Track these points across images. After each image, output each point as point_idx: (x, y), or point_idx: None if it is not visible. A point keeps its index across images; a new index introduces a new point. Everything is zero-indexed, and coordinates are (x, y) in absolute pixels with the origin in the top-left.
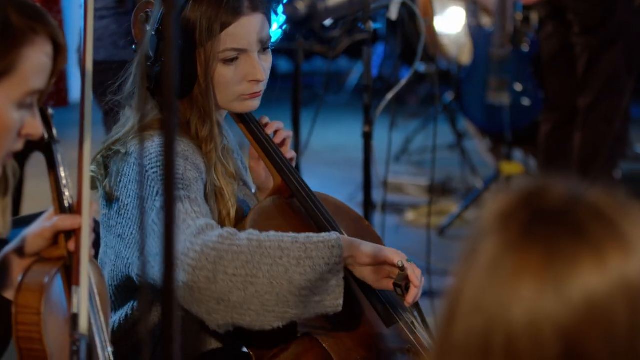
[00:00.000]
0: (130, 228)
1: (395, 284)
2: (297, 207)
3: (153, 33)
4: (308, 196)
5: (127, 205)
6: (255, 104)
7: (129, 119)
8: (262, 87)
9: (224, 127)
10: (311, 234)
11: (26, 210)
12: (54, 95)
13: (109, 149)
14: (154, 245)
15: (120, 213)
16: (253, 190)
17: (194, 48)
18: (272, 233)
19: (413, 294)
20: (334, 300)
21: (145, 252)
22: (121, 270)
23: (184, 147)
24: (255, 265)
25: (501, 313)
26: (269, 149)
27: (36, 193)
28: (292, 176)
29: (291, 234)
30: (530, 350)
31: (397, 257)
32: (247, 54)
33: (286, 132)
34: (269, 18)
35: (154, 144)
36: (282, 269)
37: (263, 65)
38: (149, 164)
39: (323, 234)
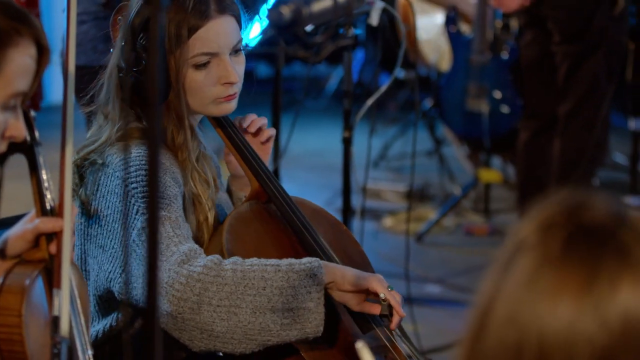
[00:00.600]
0: (111, 240)
1: (382, 315)
2: (275, 212)
3: (122, 44)
4: (285, 201)
5: (107, 216)
6: (231, 106)
7: (102, 128)
8: (236, 89)
9: (199, 132)
10: (293, 261)
11: (4, 212)
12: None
13: (84, 159)
14: (136, 266)
15: (100, 224)
16: (222, 191)
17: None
18: (255, 261)
19: (397, 321)
20: (315, 327)
21: (127, 270)
22: (103, 283)
23: (162, 159)
24: (239, 296)
25: (536, 328)
26: (246, 154)
27: (15, 195)
28: (269, 181)
29: (274, 261)
30: None
31: (379, 286)
32: (218, 57)
33: (261, 120)
34: (239, 19)
35: (132, 156)
36: (265, 299)
37: (236, 68)
38: (128, 177)
39: (305, 260)
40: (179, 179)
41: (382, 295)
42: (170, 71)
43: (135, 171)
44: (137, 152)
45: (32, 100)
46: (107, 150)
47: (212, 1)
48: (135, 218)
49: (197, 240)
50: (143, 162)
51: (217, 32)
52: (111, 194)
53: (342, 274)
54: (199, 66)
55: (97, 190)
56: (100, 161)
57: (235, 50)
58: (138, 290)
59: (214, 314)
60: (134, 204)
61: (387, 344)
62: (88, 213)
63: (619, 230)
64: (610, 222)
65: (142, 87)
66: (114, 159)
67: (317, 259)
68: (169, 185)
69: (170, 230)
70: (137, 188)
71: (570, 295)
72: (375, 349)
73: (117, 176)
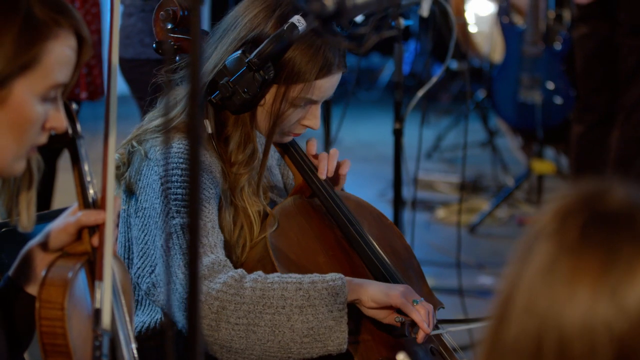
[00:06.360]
0: (145, 235)
1: (399, 335)
2: (319, 207)
3: (240, 54)
4: (329, 195)
5: (144, 209)
6: (291, 139)
7: (161, 111)
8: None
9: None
10: (316, 278)
11: (58, 204)
12: (89, 86)
13: (133, 146)
14: (161, 272)
15: (138, 215)
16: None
17: (274, 81)
18: (277, 277)
19: (422, 337)
20: (337, 346)
21: (169, 275)
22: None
23: (202, 157)
24: (257, 314)
25: (555, 316)
26: (289, 148)
27: (70, 187)
28: (313, 175)
29: (296, 277)
30: (582, 355)
31: (402, 302)
32: (314, 102)
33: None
34: None
35: (172, 151)
36: (284, 317)
37: None
38: (164, 174)
39: (328, 277)
40: (217, 178)
41: (397, 319)
42: (269, 97)
43: (172, 170)
44: (178, 148)
45: (94, 89)
46: (150, 140)
47: (339, 56)
48: (162, 220)
49: (234, 247)
50: (181, 160)
51: (331, 85)
52: (149, 187)
53: (365, 292)
54: (295, 105)
55: (139, 179)
56: (143, 151)
57: None
58: (162, 296)
59: (232, 331)
60: (171, 207)
61: (434, 337)
62: (130, 201)
63: (637, 216)
64: (627, 209)
65: (237, 101)
66: (155, 151)
67: (342, 276)
68: (204, 187)
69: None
70: (171, 189)
71: (588, 281)
72: (422, 344)
73: (156, 171)
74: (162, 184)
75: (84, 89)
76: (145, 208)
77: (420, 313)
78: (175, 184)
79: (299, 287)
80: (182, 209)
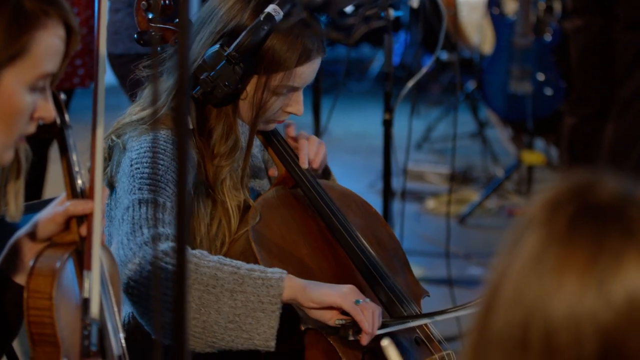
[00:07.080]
0: (119, 224)
1: (340, 337)
2: (302, 198)
3: (218, 48)
4: (311, 185)
5: (120, 197)
6: (274, 126)
7: (144, 104)
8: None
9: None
10: (256, 267)
11: (49, 194)
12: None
13: (112, 140)
14: (115, 245)
15: (117, 206)
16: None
17: (254, 71)
18: (216, 258)
19: (365, 339)
20: (264, 341)
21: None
22: None
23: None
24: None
25: (542, 307)
26: (272, 139)
27: (60, 178)
28: (295, 166)
29: (238, 263)
30: (568, 346)
31: (343, 302)
32: (296, 89)
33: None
34: None
35: (148, 139)
36: (213, 297)
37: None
38: (136, 157)
39: (269, 270)
40: (191, 165)
41: (337, 322)
42: (250, 87)
43: (144, 152)
44: (154, 136)
45: (85, 76)
46: (128, 133)
47: (318, 41)
48: (125, 197)
49: (213, 241)
50: (154, 144)
51: (312, 71)
52: (124, 175)
53: (303, 292)
54: (277, 93)
55: (118, 172)
56: (122, 145)
57: None
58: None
59: (160, 301)
60: (131, 183)
61: (417, 329)
62: (111, 195)
63: (626, 208)
64: (617, 200)
65: (218, 95)
66: (132, 141)
67: (285, 272)
68: (172, 170)
69: (150, 213)
70: (138, 169)
71: (575, 272)
72: (406, 336)
73: (128, 156)
74: (131, 165)
75: (90, 77)
76: (120, 196)
77: (363, 313)
78: (144, 164)
79: (234, 271)
80: (145, 186)
